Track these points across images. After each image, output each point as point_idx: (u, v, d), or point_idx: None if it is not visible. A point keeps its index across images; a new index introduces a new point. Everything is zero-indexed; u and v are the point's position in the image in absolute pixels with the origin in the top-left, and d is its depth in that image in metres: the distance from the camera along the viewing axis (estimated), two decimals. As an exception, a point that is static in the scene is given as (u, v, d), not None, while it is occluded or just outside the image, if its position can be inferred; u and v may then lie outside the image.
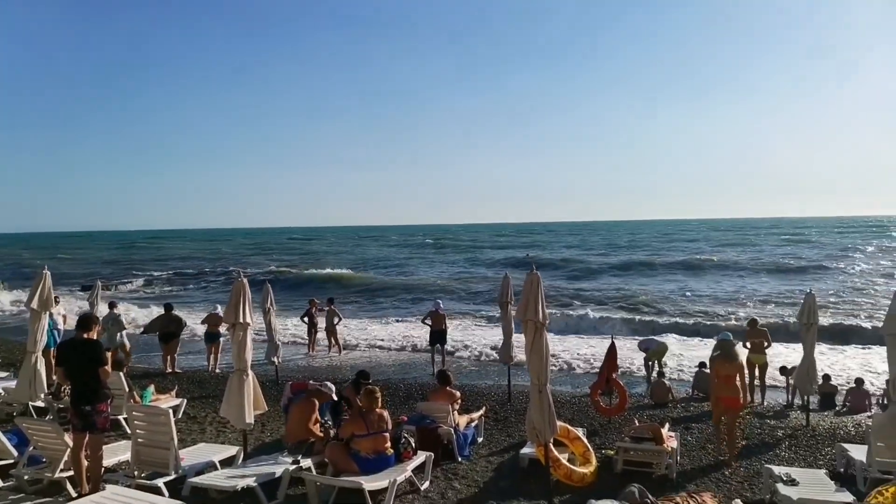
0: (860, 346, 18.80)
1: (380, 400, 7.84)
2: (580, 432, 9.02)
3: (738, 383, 9.15)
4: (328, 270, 45.79)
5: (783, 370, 13.29)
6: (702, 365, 13.63)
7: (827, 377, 13.00)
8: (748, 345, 13.13)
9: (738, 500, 7.52)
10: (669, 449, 8.59)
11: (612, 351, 11.18)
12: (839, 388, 13.14)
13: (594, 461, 8.41)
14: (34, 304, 9.29)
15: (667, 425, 9.60)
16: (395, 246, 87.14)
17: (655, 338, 17.05)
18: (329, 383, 9.16)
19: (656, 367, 14.28)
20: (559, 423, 7.72)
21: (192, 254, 78.56)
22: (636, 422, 9.87)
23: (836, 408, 12.40)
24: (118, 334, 14.73)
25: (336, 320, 18.06)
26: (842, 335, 20.39)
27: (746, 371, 10.37)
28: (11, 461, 8.00)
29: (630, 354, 16.39)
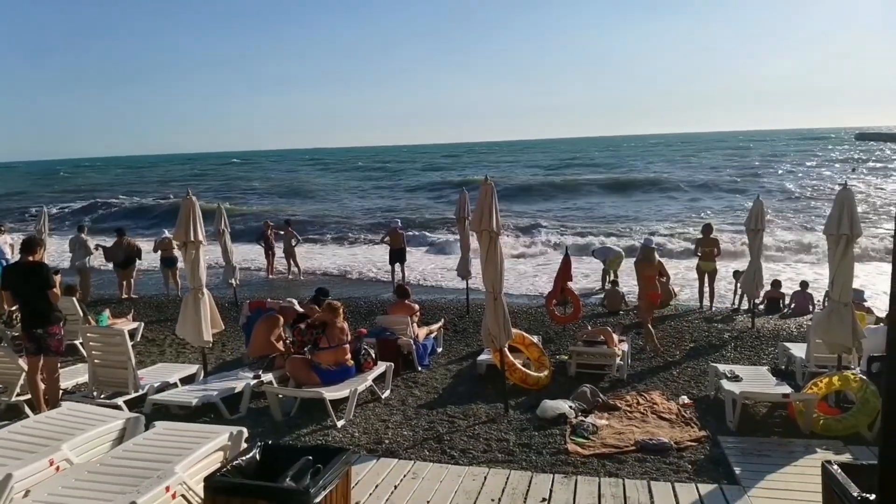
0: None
1: (341, 313, 7.92)
2: (535, 339, 9.29)
3: (658, 282, 10.76)
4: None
5: (736, 273, 13.66)
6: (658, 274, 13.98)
7: (776, 283, 13.43)
8: (699, 252, 13.48)
9: (685, 397, 7.94)
10: (620, 352, 8.93)
11: (566, 261, 11.40)
12: (786, 294, 13.63)
13: (549, 365, 8.71)
14: (-25, 230, 8.98)
15: (619, 330, 9.94)
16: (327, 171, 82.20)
17: (612, 246, 17.24)
18: (292, 299, 9.20)
19: (611, 276, 14.62)
20: (514, 331, 7.93)
21: (124, 182, 73.81)
22: (588, 327, 10.20)
23: (782, 312, 12.94)
24: (86, 258, 14.46)
25: (294, 242, 17.92)
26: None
27: (670, 273, 11.69)
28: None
29: (588, 267, 16.78)
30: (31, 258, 6.91)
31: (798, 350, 8.92)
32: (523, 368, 8.24)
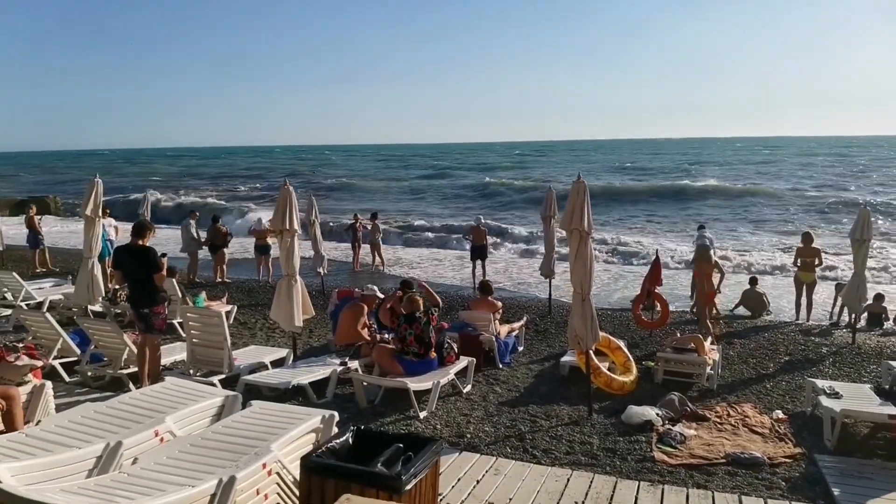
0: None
1: (421, 304, 8.01)
2: (621, 343, 9.10)
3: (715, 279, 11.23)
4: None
5: (838, 286, 12.95)
6: (752, 281, 13.45)
7: (880, 296, 12.65)
8: (798, 262, 12.87)
9: (779, 412, 7.58)
10: (711, 361, 8.62)
11: (655, 264, 11.11)
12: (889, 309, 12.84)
13: (634, 371, 8.51)
14: (88, 212, 9.58)
15: (709, 338, 9.61)
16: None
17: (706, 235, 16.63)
18: (373, 286, 9.36)
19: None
20: (601, 333, 7.80)
21: (218, 171, 77.73)
22: (678, 334, 9.90)
23: (885, 328, 12.18)
24: (191, 242, 15.47)
25: (379, 235, 18.27)
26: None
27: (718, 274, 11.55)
28: (75, 359, 8.48)
29: (674, 273, 16.30)
30: (140, 242, 7.33)
31: (905, 369, 8.36)
32: (608, 372, 8.09)
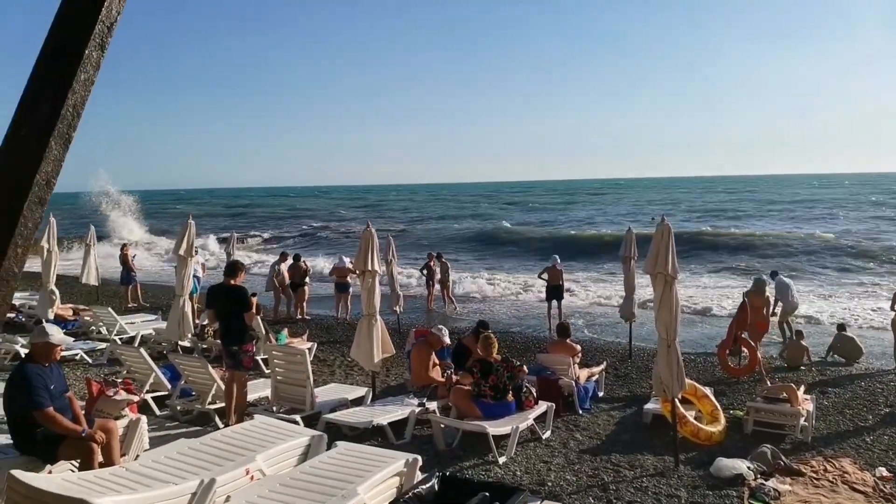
0: None
1: (496, 347, 7.96)
2: (708, 391, 8.76)
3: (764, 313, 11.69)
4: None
5: None
6: (840, 327, 12.77)
7: None
8: (895, 306, 12.11)
9: (883, 469, 7.08)
10: (805, 411, 8.18)
11: (743, 308, 10.71)
12: None
13: (723, 420, 8.16)
14: (181, 251, 10.09)
15: (802, 387, 9.13)
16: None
17: (792, 291, 16.02)
18: (441, 326, 9.32)
19: (787, 326, 13.59)
20: (687, 381, 7.54)
21: (289, 211, 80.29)
22: (768, 382, 9.46)
23: None
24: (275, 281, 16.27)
25: (448, 275, 18.33)
26: None
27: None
28: (166, 393, 8.83)
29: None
30: (232, 281, 7.64)
31: None
32: (695, 422, 7.78)
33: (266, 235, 48.39)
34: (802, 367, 11.65)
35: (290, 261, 16.82)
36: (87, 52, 1.28)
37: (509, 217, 57.33)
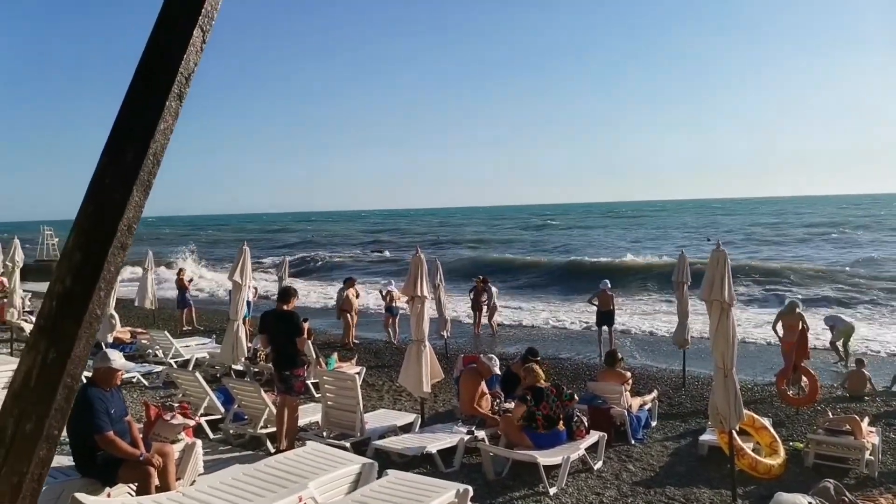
0: None
1: (541, 374, 7.86)
2: (766, 422, 8.47)
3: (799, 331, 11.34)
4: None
5: None
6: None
7: None
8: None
9: (958, 508, 6.71)
10: (870, 445, 7.83)
11: (802, 336, 10.36)
12: None
13: (782, 453, 7.87)
14: (236, 277, 10.31)
15: (866, 419, 8.75)
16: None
17: (842, 315, 15.59)
18: (493, 356, 9.22)
19: (841, 349, 13.55)
20: (745, 411, 7.32)
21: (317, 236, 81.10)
22: (830, 413, 9.10)
23: None
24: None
25: (494, 299, 18.26)
26: None
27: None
28: (220, 416, 8.99)
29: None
30: (285, 307, 7.78)
31: None
32: (753, 454, 7.52)
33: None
34: (866, 398, 11.17)
35: (354, 286, 17.06)
36: (167, 102, 1.34)
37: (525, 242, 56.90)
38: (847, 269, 30.38)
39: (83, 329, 1.26)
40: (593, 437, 7.83)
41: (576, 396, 8.28)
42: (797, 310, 12.19)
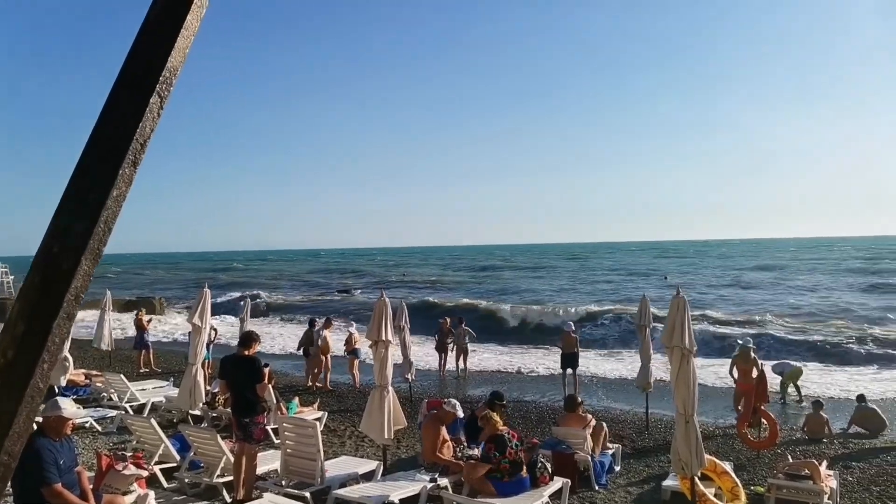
0: None
1: (498, 422, 7.78)
2: (727, 466, 8.53)
3: (753, 377, 11.87)
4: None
5: None
6: (860, 398, 12.53)
7: None
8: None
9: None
10: (828, 489, 7.93)
11: (761, 380, 10.53)
12: None
13: (743, 497, 7.92)
14: (195, 320, 10.13)
15: (824, 462, 8.88)
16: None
17: (789, 360, 16.42)
18: (453, 401, 9.06)
19: (791, 391, 14.56)
20: (706, 456, 7.36)
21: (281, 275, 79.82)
22: (789, 457, 9.21)
23: None
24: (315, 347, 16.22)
25: (467, 338, 18.19)
26: None
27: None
28: (175, 465, 8.70)
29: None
30: (245, 352, 7.64)
31: None
32: (715, 500, 7.55)
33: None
34: (824, 440, 11.36)
35: (332, 328, 16.88)
36: (121, 170, 1.33)
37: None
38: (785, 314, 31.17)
39: (24, 404, 1.22)
40: (557, 483, 7.77)
41: (536, 440, 8.24)
42: (751, 354, 12.68)
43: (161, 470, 8.45)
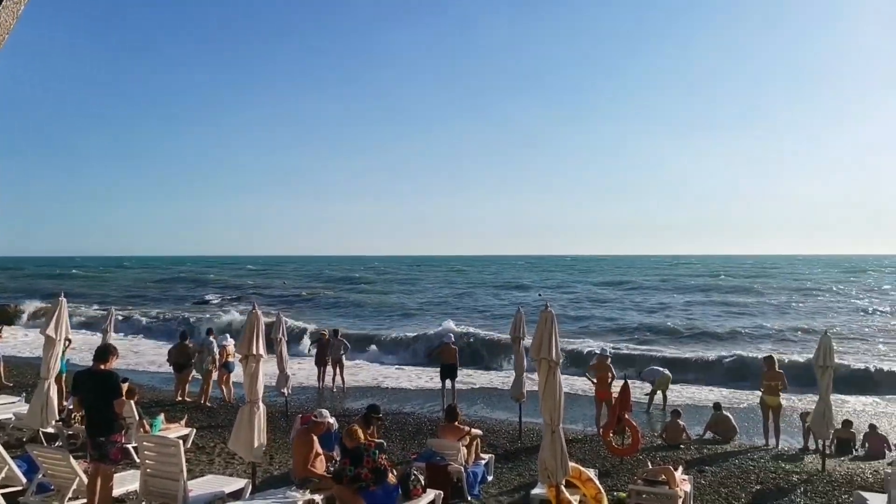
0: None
1: (360, 437, 7.74)
2: (592, 473, 8.89)
3: (608, 382, 13.05)
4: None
5: (803, 416, 13.08)
6: (717, 406, 13.52)
7: (848, 423, 12.76)
8: (763, 386, 13.02)
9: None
10: (682, 493, 8.46)
11: (625, 389, 11.10)
12: (857, 433, 12.89)
13: (606, 503, 8.29)
14: (49, 332, 9.37)
15: (680, 468, 9.47)
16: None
17: (658, 367, 17.23)
18: (324, 411, 8.80)
19: (658, 398, 15.35)
20: (571, 464, 7.64)
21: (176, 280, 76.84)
22: (649, 463, 9.75)
23: (853, 453, 12.17)
24: (206, 361, 15.37)
25: (343, 350, 17.93)
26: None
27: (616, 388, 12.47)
28: (20, 488, 8.00)
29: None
30: (102, 366, 7.14)
31: (877, 501, 8.30)
32: (579, 506, 7.86)
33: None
34: (682, 446, 12.14)
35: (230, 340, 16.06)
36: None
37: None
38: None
39: None
40: (429, 495, 7.80)
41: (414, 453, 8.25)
42: (607, 361, 13.49)
43: (3, 494, 7.77)
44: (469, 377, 19.39)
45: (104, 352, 7.28)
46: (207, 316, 35.92)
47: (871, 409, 16.42)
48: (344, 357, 18.06)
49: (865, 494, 8.74)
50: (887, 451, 11.90)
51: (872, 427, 12.50)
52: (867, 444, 12.12)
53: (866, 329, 32.03)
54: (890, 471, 8.92)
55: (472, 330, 28.87)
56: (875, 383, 19.57)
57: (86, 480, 7.33)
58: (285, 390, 13.94)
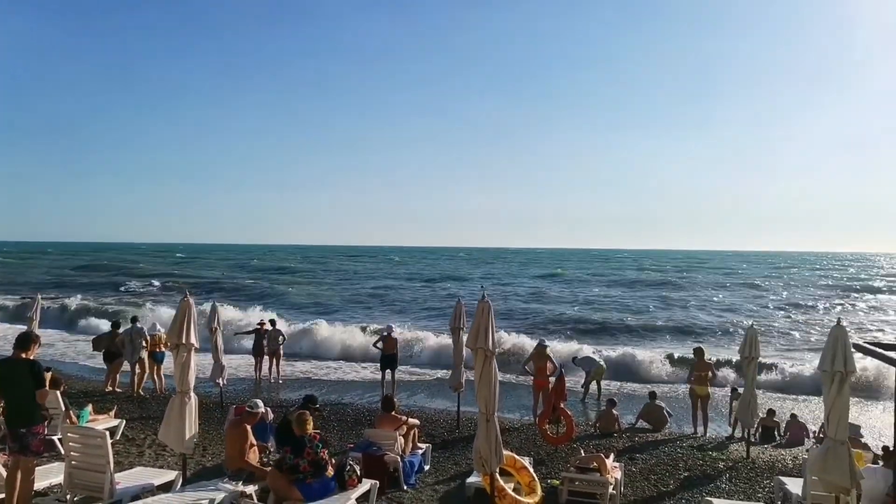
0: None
1: (310, 425, 7.68)
2: (526, 461, 9.06)
3: (547, 372, 13.23)
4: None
5: (734, 392, 13.67)
6: (652, 396, 13.92)
7: (771, 411, 13.36)
8: (692, 376, 13.47)
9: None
10: (613, 480, 8.69)
11: (560, 379, 11.30)
12: (780, 422, 13.49)
13: (539, 491, 8.44)
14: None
15: (612, 456, 9.73)
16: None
17: (593, 356, 17.49)
18: (258, 401, 8.69)
19: (593, 387, 15.97)
20: (505, 453, 7.75)
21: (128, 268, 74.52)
22: (582, 451, 9.97)
23: (777, 440, 12.75)
24: (139, 349, 14.85)
25: (280, 340, 17.68)
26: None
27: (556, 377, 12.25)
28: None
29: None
30: (23, 354, 6.83)
31: (794, 486, 8.70)
32: (514, 494, 7.97)
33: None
34: (615, 434, 12.47)
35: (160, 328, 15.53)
36: None
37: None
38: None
39: None
40: (365, 485, 7.79)
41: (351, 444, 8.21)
42: (546, 352, 13.66)
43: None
44: (410, 368, 19.40)
45: (25, 339, 6.96)
46: (139, 303, 34.84)
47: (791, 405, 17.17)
48: (281, 348, 17.82)
49: (785, 479, 9.15)
50: (806, 439, 12.49)
51: (793, 416, 13.13)
52: (788, 433, 12.71)
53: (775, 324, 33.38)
54: (807, 457, 9.36)
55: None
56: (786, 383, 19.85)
57: (5, 474, 7.03)
58: (220, 381, 13.64)
